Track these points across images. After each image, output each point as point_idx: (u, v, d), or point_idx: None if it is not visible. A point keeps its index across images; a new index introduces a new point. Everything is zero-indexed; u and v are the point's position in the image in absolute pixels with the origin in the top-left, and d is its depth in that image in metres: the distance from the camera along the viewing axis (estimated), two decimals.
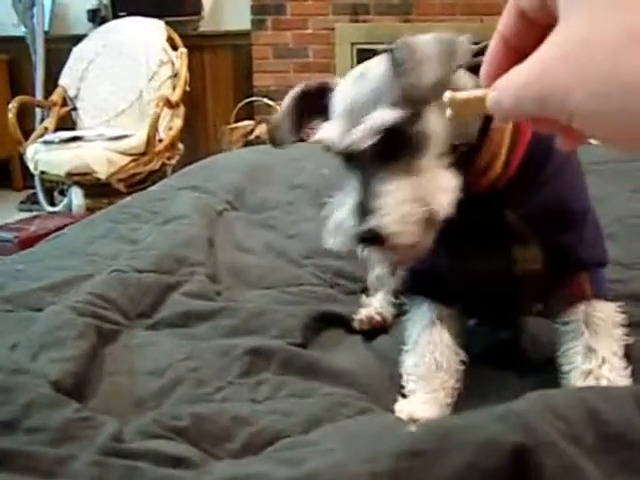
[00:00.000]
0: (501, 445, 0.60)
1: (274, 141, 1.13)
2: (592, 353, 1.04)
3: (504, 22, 0.54)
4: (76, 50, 4.78)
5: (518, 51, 0.53)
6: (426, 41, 0.92)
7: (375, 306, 1.41)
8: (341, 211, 0.97)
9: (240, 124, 4.84)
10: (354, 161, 0.96)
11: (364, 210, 0.92)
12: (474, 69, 1.06)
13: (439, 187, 0.94)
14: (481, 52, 1.13)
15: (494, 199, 1.02)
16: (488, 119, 1.00)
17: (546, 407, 0.65)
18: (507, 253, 1.06)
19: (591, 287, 1.08)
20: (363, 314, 1.39)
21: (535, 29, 0.52)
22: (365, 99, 0.94)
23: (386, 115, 0.92)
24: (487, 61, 0.56)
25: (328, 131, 0.97)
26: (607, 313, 1.07)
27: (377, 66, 0.96)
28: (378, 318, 1.38)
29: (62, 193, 4.62)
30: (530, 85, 0.48)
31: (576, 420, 0.65)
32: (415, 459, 0.59)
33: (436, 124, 0.96)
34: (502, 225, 1.04)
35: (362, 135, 0.92)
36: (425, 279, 1.16)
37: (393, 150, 0.93)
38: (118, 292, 1.42)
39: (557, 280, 1.08)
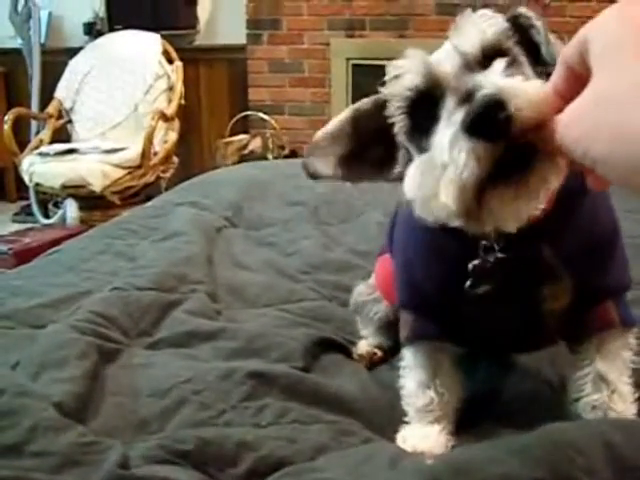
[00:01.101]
0: (519, 479, 0.60)
1: (308, 171, 0.94)
2: (603, 382, 1.00)
3: (557, 74, 0.61)
4: (72, 63, 4.78)
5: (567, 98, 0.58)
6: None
7: (370, 341, 1.38)
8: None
9: (235, 138, 4.84)
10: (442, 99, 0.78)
11: (468, 94, 0.71)
12: None
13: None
14: None
15: (531, 233, 0.89)
16: None
17: (563, 441, 0.65)
18: (536, 291, 0.98)
19: (618, 314, 1.02)
20: (363, 349, 1.36)
21: (580, 80, 0.57)
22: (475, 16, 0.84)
23: (498, 22, 0.83)
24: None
25: (418, 62, 0.82)
26: (623, 340, 1.03)
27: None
28: (380, 354, 1.35)
29: (56, 205, 4.61)
30: (568, 129, 0.53)
31: (594, 454, 0.65)
32: None
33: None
34: (534, 262, 0.95)
35: (469, 41, 0.80)
36: (435, 322, 1.07)
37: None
38: (119, 310, 1.42)
39: (583, 311, 1.02)
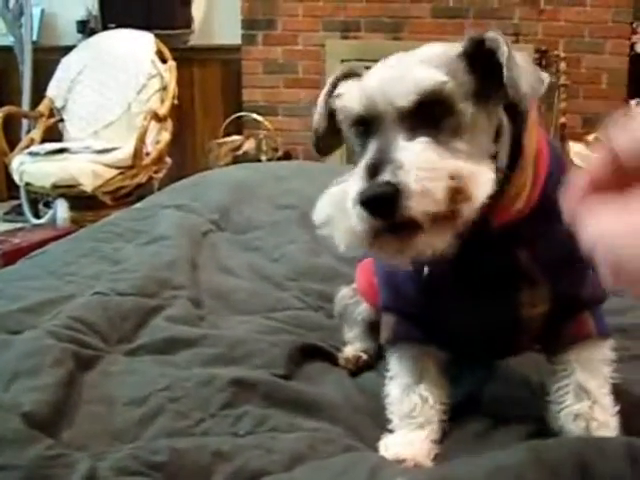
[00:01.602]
0: None
1: (319, 150, 1.02)
2: (584, 393, 1.01)
3: (596, 165, 0.57)
4: (64, 61, 4.75)
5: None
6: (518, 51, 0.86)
7: (356, 346, 1.36)
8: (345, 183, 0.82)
9: (228, 139, 4.82)
10: (376, 128, 0.84)
11: (378, 165, 0.77)
12: None
13: (477, 172, 0.81)
14: None
15: (507, 237, 0.94)
16: (517, 147, 0.93)
17: (538, 461, 0.63)
18: (513, 296, 0.99)
19: (595, 325, 1.05)
20: (349, 353, 1.35)
21: (623, 176, 0.54)
22: (407, 61, 0.85)
23: (432, 76, 0.82)
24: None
25: (354, 89, 0.86)
26: (601, 352, 1.05)
27: (430, 47, 0.89)
28: (365, 357, 1.34)
29: (47, 205, 4.57)
30: (625, 242, 0.51)
31: (568, 474, 0.63)
32: None
33: (486, 117, 0.87)
34: (511, 266, 0.96)
35: (402, 94, 0.81)
36: (417, 324, 1.08)
37: (431, 120, 0.82)
38: (98, 316, 1.40)
39: (560, 320, 1.04)
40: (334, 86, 0.97)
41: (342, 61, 4.87)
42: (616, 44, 4.59)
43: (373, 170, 0.78)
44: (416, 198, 0.75)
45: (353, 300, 1.39)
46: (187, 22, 5.11)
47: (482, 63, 0.88)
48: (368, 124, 0.86)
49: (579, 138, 4.54)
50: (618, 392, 1.08)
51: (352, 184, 0.80)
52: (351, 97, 0.87)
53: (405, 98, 0.82)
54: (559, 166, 0.97)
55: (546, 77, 0.89)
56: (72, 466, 0.84)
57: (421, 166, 0.77)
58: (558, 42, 4.62)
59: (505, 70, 0.84)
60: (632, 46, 4.61)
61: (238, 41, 4.99)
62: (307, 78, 4.95)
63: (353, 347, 1.36)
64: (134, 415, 1.12)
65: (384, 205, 0.76)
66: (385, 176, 0.76)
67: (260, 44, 4.97)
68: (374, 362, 1.34)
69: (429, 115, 0.83)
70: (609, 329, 1.10)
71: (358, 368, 1.33)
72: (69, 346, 1.25)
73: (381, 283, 1.15)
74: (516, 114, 0.94)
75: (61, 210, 4.21)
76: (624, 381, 1.12)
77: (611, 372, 1.05)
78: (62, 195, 4.17)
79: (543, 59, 4.60)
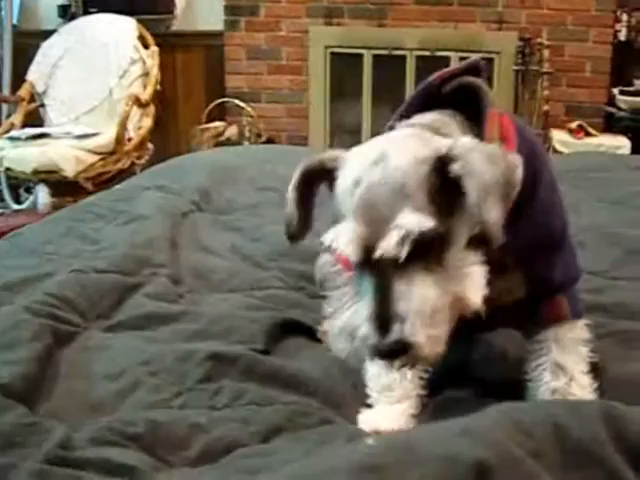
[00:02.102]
0: (462, 460, 0.58)
1: (291, 237, 1.06)
2: (560, 370, 1.03)
3: None
4: (45, 45, 4.69)
5: None
6: (487, 163, 0.86)
7: None
8: (353, 317, 0.89)
9: (211, 125, 4.79)
10: (369, 264, 0.88)
11: (384, 318, 0.85)
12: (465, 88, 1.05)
13: (470, 283, 0.88)
14: (472, 69, 1.11)
15: None
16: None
17: (511, 422, 0.63)
18: (489, 285, 0.98)
19: (569, 307, 1.07)
20: (327, 326, 1.35)
21: None
22: (387, 197, 0.86)
23: (420, 223, 0.85)
24: None
25: (345, 237, 0.87)
26: (576, 332, 1.07)
27: (399, 155, 0.89)
28: None
29: (28, 191, 4.53)
30: None
31: (541, 435, 0.63)
32: (372, 474, 0.56)
33: (463, 228, 0.90)
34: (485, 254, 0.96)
35: (394, 246, 0.84)
36: None
37: (416, 253, 0.86)
38: (76, 292, 1.39)
39: (535, 304, 1.06)
40: (304, 177, 1.01)
41: (326, 47, 4.86)
42: (600, 32, 4.60)
43: (381, 324, 0.85)
44: (424, 345, 0.84)
45: (334, 268, 1.39)
46: (170, 7, 5.06)
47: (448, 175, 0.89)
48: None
49: (562, 126, 4.56)
50: (596, 369, 1.09)
51: (358, 319, 0.88)
52: (345, 245, 0.88)
53: (398, 250, 0.85)
54: (530, 156, 0.98)
55: (518, 170, 0.89)
56: (46, 433, 0.83)
57: (424, 316, 0.84)
58: (542, 30, 4.62)
59: (470, 204, 0.86)
60: (615, 34, 4.62)
61: (221, 27, 4.95)
62: (290, 64, 4.93)
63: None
64: (111, 389, 1.12)
65: (397, 355, 0.85)
66: (394, 334, 0.83)
67: (243, 30, 4.94)
68: None
69: (419, 251, 0.86)
70: (584, 308, 1.12)
71: None
72: (46, 321, 1.25)
73: None
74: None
75: (42, 196, 4.17)
76: (601, 358, 1.13)
77: (588, 351, 1.07)
78: (43, 180, 4.13)
79: (527, 47, 4.60)
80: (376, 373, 1.10)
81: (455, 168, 0.87)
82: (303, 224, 1.03)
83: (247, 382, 1.14)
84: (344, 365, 1.23)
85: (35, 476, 0.71)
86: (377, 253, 0.85)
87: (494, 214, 0.85)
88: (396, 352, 0.84)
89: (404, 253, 0.84)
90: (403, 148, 0.91)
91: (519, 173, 0.89)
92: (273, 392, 1.13)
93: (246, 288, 1.56)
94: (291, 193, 1.01)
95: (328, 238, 0.90)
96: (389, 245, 0.84)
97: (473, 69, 1.11)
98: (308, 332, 1.37)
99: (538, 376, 1.05)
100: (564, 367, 1.03)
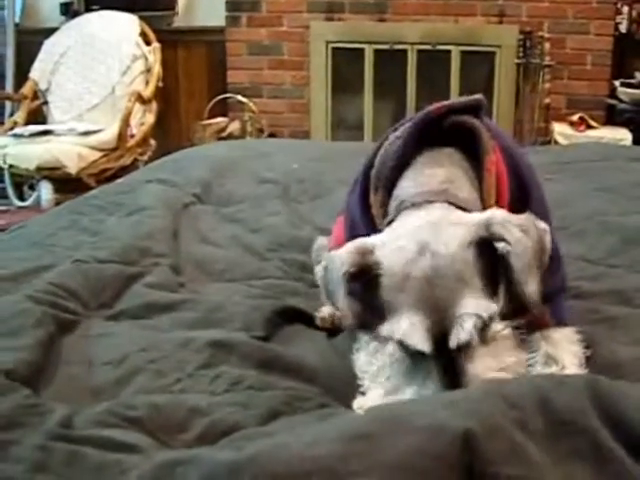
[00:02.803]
0: (448, 430, 0.60)
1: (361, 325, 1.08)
2: (552, 360, 1.05)
3: None
4: (48, 43, 4.72)
5: None
6: (524, 236, 0.92)
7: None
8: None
9: (213, 121, 4.81)
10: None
11: None
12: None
13: (512, 350, 0.94)
14: (473, 107, 1.14)
15: None
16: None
17: (497, 394, 0.65)
18: None
19: (552, 317, 1.09)
20: (325, 312, 1.37)
21: None
22: (444, 286, 0.90)
23: (487, 308, 0.89)
24: None
25: (411, 328, 0.90)
26: (564, 334, 1.10)
27: (442, 243, 0.93)
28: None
29: (32, 188, 4.55)
30: None
31: (527, 407, 0.65)
32: (360, 442, 0.58)
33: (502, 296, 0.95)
34: None
35: (470, 333, 0.88)
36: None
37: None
38: (78, 282, 1.41)
39: (518, 314, 1.05)
40: (347, 281, 0.99)
41: (327, 42, 4.87)
42: (600, 25, 4.59)
43: None
44: None
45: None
46: (171, 4, 5.08)
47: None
48: None
49: (563, 119, 4.56)
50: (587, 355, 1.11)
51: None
52: (413, 337, 0.90)
53: (470, 339, 0.88)
54: (518, 176, 1.11)
55: (547, 235, 0.96)
56: (47, 414, 0.85)
57: None
58: (543, 23, 4.62)
59: (517, 283, 0.91)
60: (616, 26, 4.62)
61: (222, 23, 4.96)
62: (292, 60, 4.94)
63: (329, 308, 1.38)
64: (112, 375, 1.14)
65: None
66: None
67: (244, 26, 4.95)
68: None
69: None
70: (571, 314, 1.16)
71: (335, 326, 1.34)
72: (49, 310, 1.27)
73: None
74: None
75: (45, 192, 4.19)
76: (592, 343, 1.15)
77: (579, 350, 1.09)
78: (46, 177, 4.15)
79: (528, 40, 4.60)
80: (366, 361, 1.11)
81: (501, 247, 0.92)
82: (357, 316, 1.03)
83: (246, 368, 1.16)
84: (343, 353, 1.25)
85: (36, 450, 0.72)
86: (453, 342, 0.88)
87: (534, 284, 0.91)
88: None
89: (476, 339, 0.88)
90: (441, 235, 0.94)
91: (548, 239, 0.95)
92: (272, 378, 1.14)
93: (246, 278, 1.58)
94: (342, 298, 0.99)
95: (388, 330, 0.93)
96: (466, 333, 0.88)
97: (476, 106, 1.14)
98: (307, 319, 1.39)
99: (529, 368, 1.05)
100: (555, 358, 1.05)
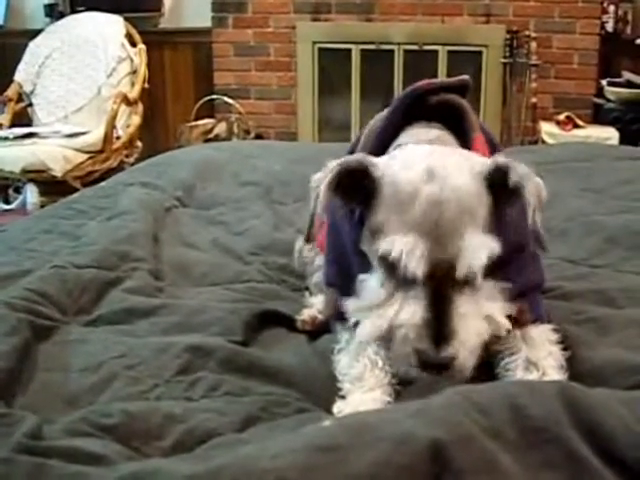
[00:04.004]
0: (417, 440, 0.59)
1: (309, 238, 1.07)
2: (532, 366, 1.04)
3: None
4: (32, 45, 4.69)
5: None
6: (528, 174, 0.93)
7: (318, 306, 1.38)
8: (399, 318, 0.91)
9: (200, 122, 4.80)
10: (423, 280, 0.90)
11: (440, 332, 0.87)
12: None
13: (499, 305, 0.94)
14: (460, 86, 1.14)
15: None
16: None
17: (467, 402, 0.64)
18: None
19: (530, 313, 1.09)
20: (306, 314, 1.36)
21: None
22: (453, 215, 0.89)
23: (492, 247, 0.90)
24: None
25: (411, 250, 0.89)
26: (544, 331, 1.09)
27: (453, 172, 0.92)
28: (321, 317, 1.35)
29: (17, 190, 4.52)
30: None
31: (498, 415, 0.64)
32: (327, 454, 0.57)
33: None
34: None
35: (479, 267, 0.88)
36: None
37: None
38: (56, 288, 1.39)
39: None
40: (338, 177, 0.98)
41: (313, 43, 4.86)
42: (587, 24, 4.61)
43: (436, 337, 0.87)
44: (468, 365, 0.89)
45: (312, 252, 1.42)
46: (157, 5, 5.07)
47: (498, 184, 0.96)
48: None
49: (550, 118, 4.57)
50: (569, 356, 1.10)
51: (411, 330, 0.89)
52: (413, 260, 0.89)
53: (466, 272, 0.89)
54: None
55: (544, 192, 0.96)
56: (14, 424, 0.84)
57: (472, 337, 0.89)
58: (529, 22, 4.63)
59: (530, 214, 0.92)
60: (603, 25, 4.63)
61: (208, 24, 4.96)
62: (278, 61, 4.94)
63: (310, 310, 1.37)
64: (88, 382, 1.12)
65: (443, 369, 0.88)
66: (449, 351, 0.87)
67: (231, 27, 4.94)
68: None
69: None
70: (548, 313, 1.15)
71: (316, 329, 1.33)
72: (25, 316, 1.25)
73: (329, 259, 1.17)
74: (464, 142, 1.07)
75: (31, 195, 4.16)
76: (575, 344, 1.15)
77: (558, 351, 1.08)
78: (32, 180, 4.13)
79: (514, 40, 4.61)
80: (347, 364, 1.11)
81: (514, 178, 0.92)
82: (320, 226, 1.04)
83: (224, 373, 1.15)
84: (323, 356, 1.24)
85: (1, 464, 0.71)
86: (461, 271, 0.88)
87: (539, 221, 0.92)
88: (444, 367, 0.88)
89: (480, 275, 0.89)
90: (454, 161, 0.94)
91: (545, 192, 0.95)
92: (250, 383, 1.13)
93: (227, 281, 1.57)
94: (324, 193, 0.97)
95: (386, 248, 0.90)
96: (478, 265, 0.88)
97: (461, 87, 1.14)
98: (288, 322, 1.37)
99: (509, 372, 1.05)
100: (536, 363, 1.04)
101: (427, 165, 0.92)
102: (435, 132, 1.08)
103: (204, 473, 0.59)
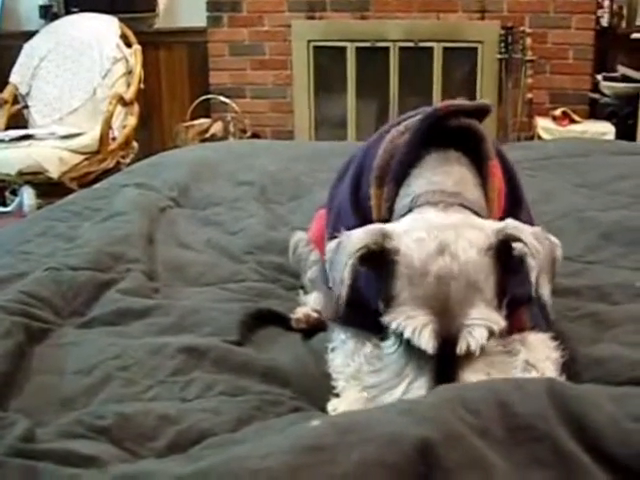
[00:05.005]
0: (405, 439, 0.59)
1: (338, 314, 1.07)
2: (531, 367, 1.04)
3: None
4: (27, 47, 4.68)
5: None
6: (537, 240, 0.93)
7: (312, 305, 1.38)
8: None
9: (196, 122, 4.79)
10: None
11: None
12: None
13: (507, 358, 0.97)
14: (479, 110, 1.14)
15: None
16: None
17: (456, 400, 0.64)
18: None
19: (530, 319, 1.11)
20: (300, 313, 1.37)
21: None
22: (460, 290, 0.91)
23: (497, 322, 0.91)
24: None
25: (420, 326, 0.90)
26: (542, 339, 1.10)
27: (463, 246, 0.94)
28: (315, 315, 1.35)
29: (14, 193, 4.52)
30: None
31: (486, 412, 0.64)
32: (314, 454, 0.57)
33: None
34: None
35: (475, 347, 0.89)
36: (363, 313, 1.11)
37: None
38: (51, 290, 1.39)
39: None
40: (359, 259, 0.99)
41: (309, 41, 4.85)
42: (582, 19, 4.60)
43: None
44: None
45: (307, 248, 1.43)
46: (152, 5, 5.05)
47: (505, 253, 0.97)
48: None
49: (546, 113, 4.57)
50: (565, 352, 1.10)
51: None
52: (422, 335, 0.90)
53: (473, 347, 0.89)
54: (513, 187, 1.15)
55: (559, 250, 0.99)
56: (7, 427, 0.84)
57: None
58: (524, 18, 4.63)
59: (533, 285, 0.93)
60: (598, 20, 4.63)
61: (203, 23, 4.95)
62: (274, 59, 4.93)
63: (304, 308, 1.38)
64: (82, 384, 1.12)
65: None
66: None
67: (226, 26, 4.93)
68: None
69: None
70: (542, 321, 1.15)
71: (311, 327, 1.34)
72: (19, 319, 1.25)
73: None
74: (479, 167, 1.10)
75: (27, 197, 4.16)
76: (572, 341, 1.15)
77: (557, 357, 1.09)
78: (28, 182, 4.12)
79: (509, 35, 4.61)
80: (342, 363, 1.11)
81: (519, 247, 0.94)
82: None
83: (219, 373, 1.15)
84: (317, 355, 1.24)
85: None
86: (461, 348, 0.89)
87: (547, 290, 0.92)
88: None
89: (480, 349, 0.89)
90: (461, 238, 0.95)
91: (560, 253, 0.97)
92: (245, 382, 1.13)
93: (222, 281, 1.57)
94: (347, 273, 0.98)
95: (395, 323, 0.93)
96: (476, 342, 0.89)
97: (480, 110, 1.15)
98: (282, 321, 1.38)
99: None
100: (534, 365, 1.04)
101: (438, 239, 0.95)
102: (454, 175, 1.08)
103: (193, 474, 0.59)
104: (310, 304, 1.38)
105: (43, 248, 1.69)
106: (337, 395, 1.09)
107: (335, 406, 1.06)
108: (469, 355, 0.90)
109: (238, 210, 2.04)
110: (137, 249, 1.63)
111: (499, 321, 0.92)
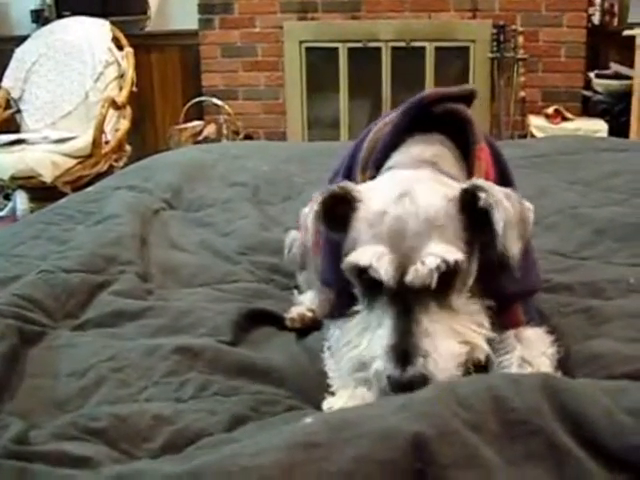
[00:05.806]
0: (399, 435, 0.58)
1: (304, 265, 1.13)
2: (526, 364, 1.04)
3: None
4: (19, 51, 4.68)
5: None
6: (507, 198, 0.93)
7: (306, 304, 1.38)
8: (370, 348, 0.94)
9: (189, 124, 4.79)
10: (389, 291, 0.93)
11: (405, 351, 0.89)
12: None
13: (477, 325, 0.95)
14: (465, 96, 1.14)
15: None
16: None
17: (450, 395, 0.64)
18: None
19: (524, 315, 1.11)
20: (294, 312, 1.37)
21: None
22: (417, 227, 0.92)
23: (452, 254, 0.91)
24: None
25: (377, 256, 0.92)
26: (537, 335, 1.10)
27: (426, 192, 0.95)
28: (310, 315, 1.35)
29: (7, 197, 4.52)
30: None
31: (480, 407, 0.64)
32: (308, 451, 0.56)
33: (474, 264, 0.97)
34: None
35: (428, 272, 0.89)
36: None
37: (439, 287, 0.91)
38: (44, 293, 1.39)
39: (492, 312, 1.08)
40: (324, 206, 1.02)
41: (300, 42, 4.86)
42: (573, 17, 4.62)
43: (402, 357, 0.88)
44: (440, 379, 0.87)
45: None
46: (143, 8, 5.05)
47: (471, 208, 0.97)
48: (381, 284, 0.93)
49: (539, 111, 4.58)
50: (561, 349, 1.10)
51: (375, 352, 0.92)
52: (379, 264, 0.92)
53: (429, 280, 0.90)
54: (504, 181, 1.11)
55: (531, 212, 0.98)
56: (2, 429, 0.83)
57: (444, 355, 0.89)
58: (515, 16, 4.64)
59: (499, 238, 0.93)
60: (589, 18, 4.64)
61: (195, 26, 4.95)
62: (266, 60, 4.93)
63: (299, 308, 1.38)
64: (76, 386, 1.12)
65: (412, 388, 0.84)
66: (415, 369, 0.87)
67: (217, 28, 4.93)
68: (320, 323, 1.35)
69: (440, 284, 0.91)
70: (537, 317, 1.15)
71: (305, 326, 1.34)
72: (13, 322, 1.25)
73: (325, 259, 1.18)
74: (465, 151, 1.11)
75: (21, 202, 4.15)
76: (566, 336, 1.15)
77: (552, 352, 1.09)
78: (21, 187, 4.12)
79: (501, 34, 4.62)
80: (336, 362, 1.10)
81: (484, 197, 0.94)
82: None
83: (213, 374, 1.15)
84: (312, 354, 1.24)
85: None
86: (409, 276, 0.90)
87: (515, 247, 0.92)
88: (409, 387, 0.86)
89: (435, 282, 0.89)
90: (427, 186, 0.97)
91: (531, 216, 0.97)
92: (239, 382, 1.13)
93: (215, 282, 1.56)
94: (311, 222, 1.01)
95: (353, 258, 0.94)
96: (424, 270, 0.89)
97: (467, 96, 1.15)
98: (276, 321, 1.37)
99: (504, 369, 1.05)
100: (530, 361, 1.05)
101: (401, 188, 0.97)
102: (433, 149, 1.10)
103: (185, 472, 0.59)
104: (305, 303, 1.38)
105: (36, 251, 1.69)
106: (332, 393, 1.09)
107: (331, 404, 1.05)
108: (427, 298, 0.91)
109: (231, 211, 2.04)
110: (130, 251, 1.62)
111: (456, 254, 0.91)
